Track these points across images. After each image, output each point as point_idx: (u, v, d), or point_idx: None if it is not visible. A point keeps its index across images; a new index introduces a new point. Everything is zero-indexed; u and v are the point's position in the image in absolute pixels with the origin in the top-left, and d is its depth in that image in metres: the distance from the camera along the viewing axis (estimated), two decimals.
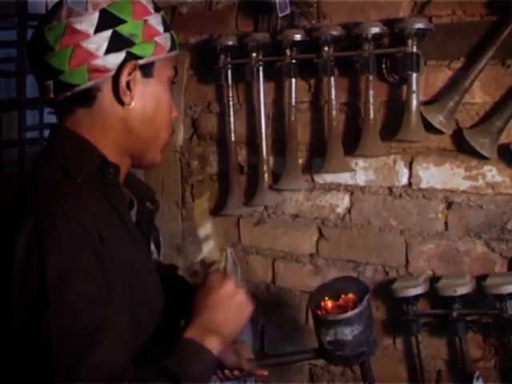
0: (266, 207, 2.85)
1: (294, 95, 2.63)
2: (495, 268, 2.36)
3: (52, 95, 1.48)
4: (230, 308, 1.53)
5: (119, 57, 1.45)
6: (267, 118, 2.75)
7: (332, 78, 2.51)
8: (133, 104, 1.49)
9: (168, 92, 1.57)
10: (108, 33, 1.43)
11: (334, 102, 2.52)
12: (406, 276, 2.52)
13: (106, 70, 1.44)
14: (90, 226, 1.34)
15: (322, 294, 2.07)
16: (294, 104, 2.63)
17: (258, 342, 2.98)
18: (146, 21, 1.48)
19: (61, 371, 1.22)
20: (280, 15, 2.58)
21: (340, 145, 2.53)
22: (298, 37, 2.55)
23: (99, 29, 1.43)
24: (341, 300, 2.03)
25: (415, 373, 2.56)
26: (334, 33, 2.47)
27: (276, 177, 2.74)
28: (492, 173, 2.33)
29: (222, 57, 2.74)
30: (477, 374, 2.37)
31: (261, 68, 2.69)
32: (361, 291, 2.06)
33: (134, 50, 1.46)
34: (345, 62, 2.51)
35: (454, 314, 2.33)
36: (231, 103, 2.83)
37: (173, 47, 1.55)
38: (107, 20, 1.44)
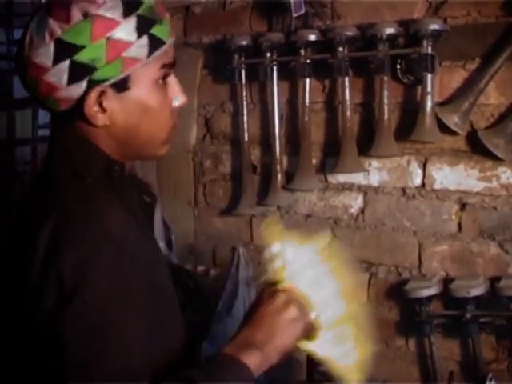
0: (278, 207, 2.85)
1: (307, 95, 2.63)
2: (509, 270, 2.36)
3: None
4: (276, 324, 1.41)
5: (81, 87, 1.34)
6: (281, 117, 2.75)
7: (346, 79, 2.51)
8: (109, 122, 1.39)
9: (156, 93, 1.42)
10: (66, 63, 1.33)
11: (348, 103, 2.52)
12: (419, 277, 2.52)
13: (71, 100, 1.37)
14: (110, 228, 1.30)
15: None
16: (307, 104, 2.64)
17: None
18: (108, 38, 1.33)
19: (75, 375, 1.21)
20: (294, 15, 2.58)
21: (354, 145, 2.53)
22: (312, 37, 2.56)
23: (57, 61, 1.33)
24: None
25: (427, 374, 2.56)
26: (349, 33, 2.47)
27: (289, 177, 2.75)
28: (506, 174, 2.33)
29: (236, 56, 2.75)
30: (489, 376, 2.36)
31: (275, 68, 2.69)
32: None
33: (97, 76, 1.34)
34: (359, 62, 2.52)
35: (468, 316, 2.32)
36: (245, 103, 2.83)
37: (153, 48, 1.38)
38: (63, 50, 1.33)
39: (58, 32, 1.32)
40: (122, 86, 1.37)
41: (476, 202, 2.39)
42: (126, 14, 1.34)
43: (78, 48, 1.32)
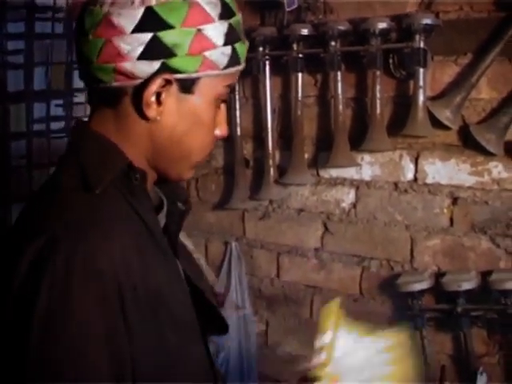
0: (271, 201, 2.86)
1: (300, 89, 2.64)
2: (500, 264, 2.37)
3: (84, 82, 1.32)
4: None
5: (152, 66, 1.22)
6: (273, 112, 2.76)
7: (339, 73, 2.52)
8: (159, 119, 1.27)
9: (211, 111, 1.32)
10: (147, 36, 1.21)
11: (340, 97, 2.53)
12: (411, 271, 2.53)
13: (133, 77, 1.23)
14: (103, 262, 1.15)
15: None
16: (300, 98, 2.64)
17: (262, 336, 2.98)
18: (200, 30, 1.23)
19: None
20: (287, 10, 2.58)
21: (346, 139, 2.54)
22: (305, 31, 2.56)
23: (138, 29, 1.21)
24: None
25: (419, 368, 2.56)
26: (341, 27, 2.48)
27: (282, 171, 2.75)
28: (498, 169, 2.33)
29: None
30: (481, 369, 2.37)
31: (267, 62, 2.70)
32: None
33: (173, 63, 1.22)
34: (352, 56, 2.52)
35: (459, 309, 2.34)
36: (237, 97, 2.83)
37: (231, 63, 1.28)
38: (151, 21, 1.21)
39: (153, 1, 1.22)
40: (188, 86, 1.27)
41: (468, 197, 2.40)
42: (222, 16, 1.27)
43: (167, 26, 1.22)
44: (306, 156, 2.71)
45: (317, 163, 2.72)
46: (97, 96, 1.31)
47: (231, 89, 1.35)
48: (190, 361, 1.30)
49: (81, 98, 2.95)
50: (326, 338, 1.29)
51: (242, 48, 1.31)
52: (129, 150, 1.29)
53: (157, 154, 1.32)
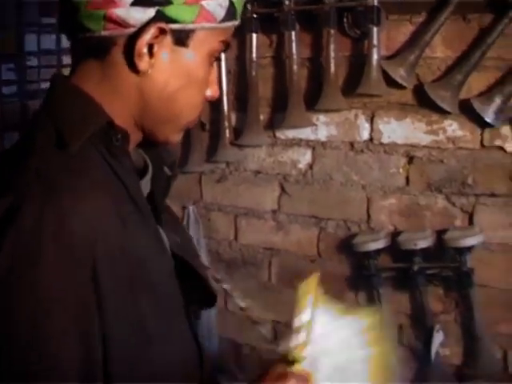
0: (227, 164, 2.84)
1: (254, 50, 2.61)
2: (456, 222, 2.38)
3: (67, 33, 1.23)
4: None
5: (146, 14, 1.13)
6: (228, 73, 2.72)
7: (293, 33, 2.49)
8: (150, 72, 1.17)
9: (205, 68, 1.23)
10: None
11: (295, 57, 2.50)
12: (368, 231, 2.53)
13: (125, 25, 1.14)
14: (75, 223, 1.06)
15: None
16: (255, 59, 2.61)
17: (221, 299, 2.98)
18: None
19: None
20: None
21: (301, 100, 2.52)
22: None
23: None
24: None
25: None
26: None
27: (238, 133, 2.73)
28: (453, 127, 2.34)
29: None
30: (437, 327, 2.39)
31: None
32: None
33: (168, 11, 1.14)
34: (306, 16, 2.49)
35: (415, 268, 2.35)
36: None
37: (228, 17, 1.20)
38: None
39: None
40: (183, 38, 1.18)
41: (423, 156, 2.40)
42: None
43: None
44: (262, 117, 2.69)
45: (273, 124, 2.69)
46: (81, 48, 1.21)
47: (226, 46, 1.26)
48: (171, 336, 1.21)
49: (33, 61, 2.90)
50: (304, 316, 1.24)
51: (238, 2, 1.23)
52: (113, 108, 1.20)
53: (144, 112, 1.22)
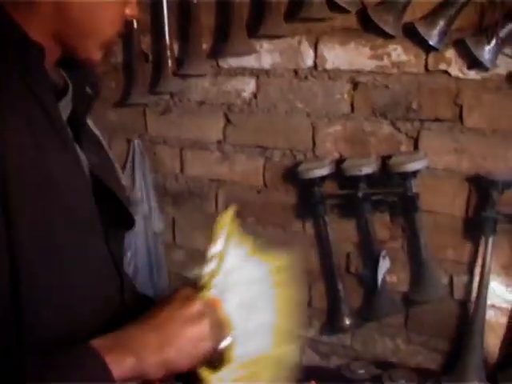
0: (171, 95, 2.78)
1: None
2: (401, 148, 2.36)
3: None
4: (177, 334, 1.14)
5: None
6: (169, 1, 2.65)
7: None
8: None
9: None
10: None
11: None
12: (313, 159, 2.50)
13: None
14: None
15: None
16: None
17: (169, 233, 2.96)
18: None
19: None
20: None
21: (244, 27, 2.47)
22: None
23: None
24: None
25: (325, 256, 2.58)
26: None
27: (181, 63, 2.67)
28: (397, 52, 2.30)
29: None
30: (383, 253, 2.39)
31: None
32: None
33: None
34: None
35: (360, 194, 2.34)
36: None
37: None
38: None
39: None
40: None
41: (368, 81, 2.37)
42: None
43: None
44: (205, 46, 2.63)
45: (216, 53, 2.63)
46: None
47: None
48: (87, 257, 1.20)
49: None
50: (217, 246, 1.25)
51: None
52: (31, 22, 1.15)
53: (65, 25, 1.17)
